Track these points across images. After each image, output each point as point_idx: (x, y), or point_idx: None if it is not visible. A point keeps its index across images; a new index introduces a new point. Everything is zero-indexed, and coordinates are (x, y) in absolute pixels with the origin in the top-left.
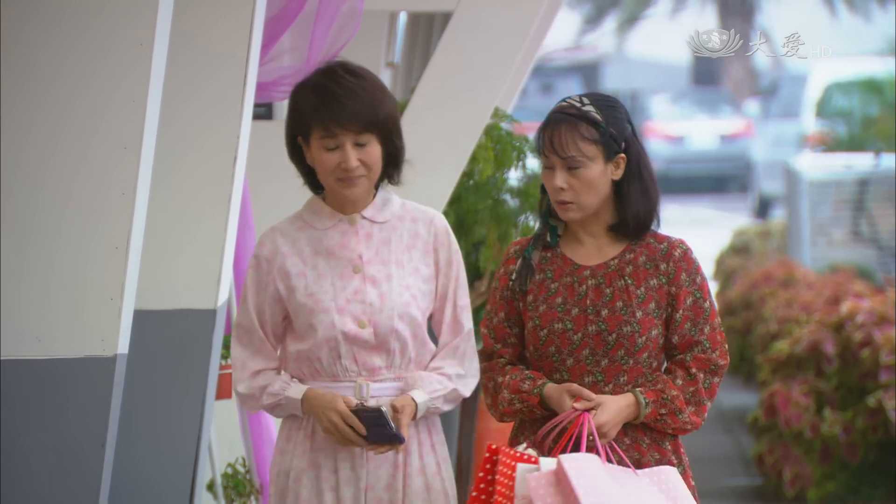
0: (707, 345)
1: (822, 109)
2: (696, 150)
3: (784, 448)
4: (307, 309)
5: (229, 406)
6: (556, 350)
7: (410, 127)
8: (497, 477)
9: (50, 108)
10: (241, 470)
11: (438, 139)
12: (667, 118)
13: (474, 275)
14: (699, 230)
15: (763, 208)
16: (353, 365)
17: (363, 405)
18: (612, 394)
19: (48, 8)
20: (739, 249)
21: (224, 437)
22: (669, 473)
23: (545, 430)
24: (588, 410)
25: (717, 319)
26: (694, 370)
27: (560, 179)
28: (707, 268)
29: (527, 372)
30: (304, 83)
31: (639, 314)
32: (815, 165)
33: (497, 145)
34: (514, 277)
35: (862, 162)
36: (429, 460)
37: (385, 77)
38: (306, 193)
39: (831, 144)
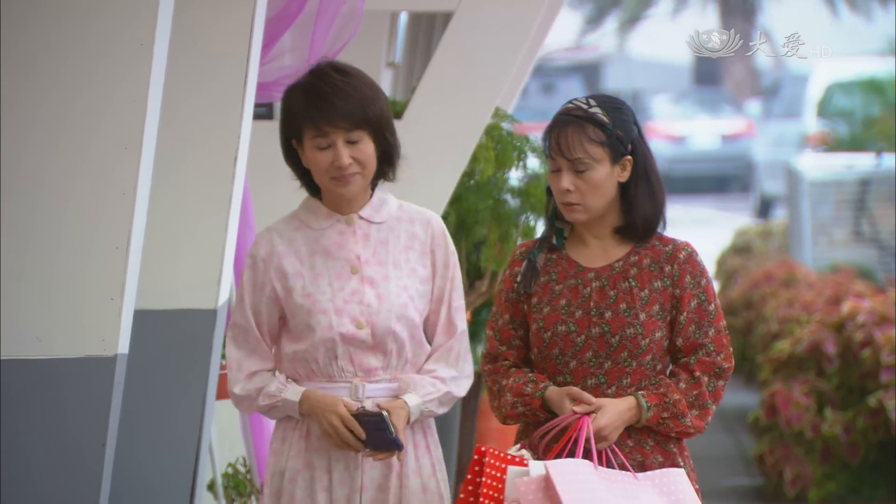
0: (711, 348)
1: (824, 109)
2: (697, 150)
3: (785, 448)
4: (305, 310)
5: (230, 406)
6: (560, 352)
7: (411, 127)
8: (483, 479)
9: (50, 108)
10: (242, 470)
11: (439, 139)
12: (668, 118)
13: (475, 275)
14: (700, 230)
15: (764, 208)
16: (349, 365)
17: (364, 409)
18: (615, 396)
19: (48, 8)
20: (740, 249)
21: (225, 437)
22: (675, 475)
23: (541, 431)
24: (588, 414)
25: (723, 323)
26: (698, 373)
27: (566, 181)
28: (708, 268)
29: (530, 375)
30: (294, 85)
31: (642, 316)
32: (817, 165)
33: (498, 145)
34: (518, 279)
35: (863, 162)
36: (424, 461)
37: (386, 77)
38: (306, 194)
39: (832, 144)
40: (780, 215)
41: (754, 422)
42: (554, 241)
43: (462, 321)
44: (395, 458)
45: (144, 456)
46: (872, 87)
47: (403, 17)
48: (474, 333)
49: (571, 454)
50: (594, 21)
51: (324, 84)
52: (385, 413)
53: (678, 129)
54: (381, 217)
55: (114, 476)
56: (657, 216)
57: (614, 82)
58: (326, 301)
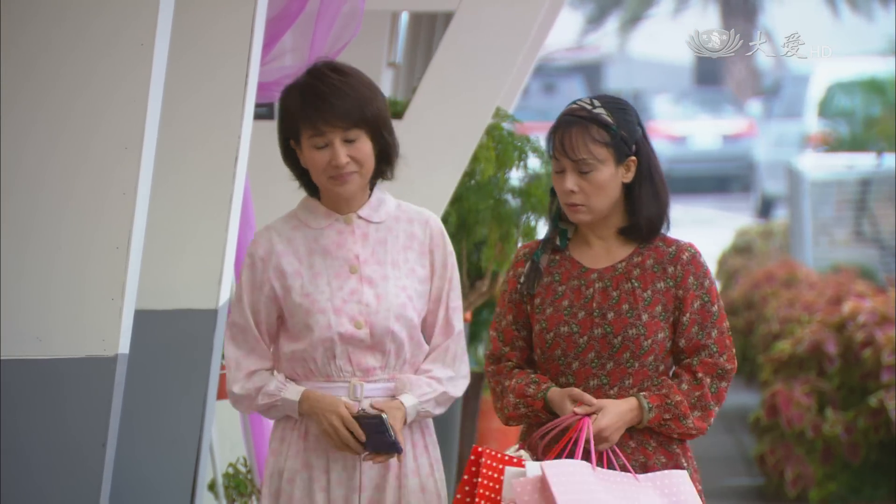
0: (714, 349)
1: (825, 109)
2: (698, 150)
3: (786, 448)
4: (303, 309)
5: (230, 406)
6: (563, 353)
7: (412, 127)
8: (479, 479)
9: (50, 108)
10: (243, 470)
11: (440, 139)
12: (669, 118)
13: (476, 275)
14: (702, 230)
15: (765, 208)
16: (347, 365)
17: (364, 411)
18: (617, 397)
19: (49, 8)
20: (741, 249)
21: (225, 437)
22: (677, 477)
23: (541, 432)
24: (589, 415)
25: (726, 324)
26: (700, 374)
27: (571, 182)
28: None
29: (532, 376)
30: (291, 85)
31: (645, 317)
32: (818, 165)
33: (499, 145)
34: (522, 280)
35: (864, 162)
36: (422, 461)
37: (387, 77)
38: (306, 194)
39: (833, 144)
40: (781, 215)
41: (755, 422)
42: (557, 243)
43: (459, 321)
44: (393, 458)
45: (145, 456)
46: (873, 87)
47: (404, 17)
48: (475, 333)
49: (571, 455)
50: (595, 21)
51: (321, 83)
52: (384, 415)
53: (679, 129)
54: (380, 217)
55: (114, 476)
56: (661, 217)
57: (615, 82)
58: (325, 300)
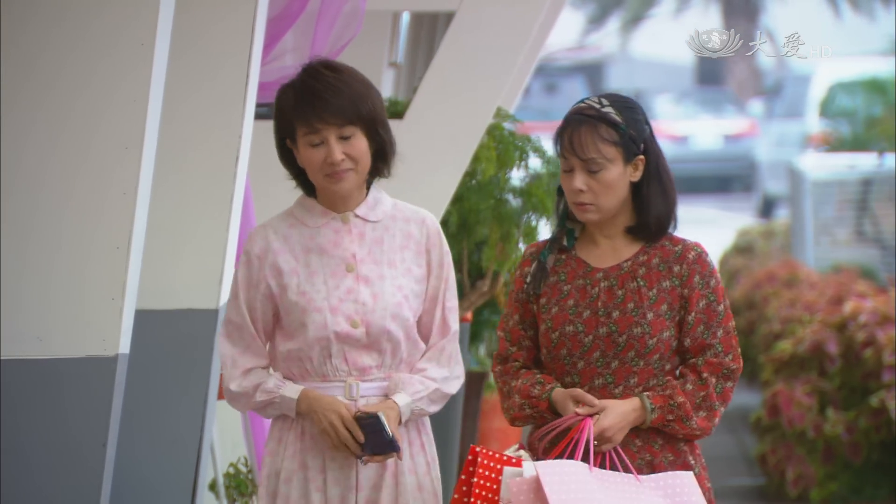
0: (720, 348)
1: (826, 109)
2: (699, 150)
3: (787, 448)
4: (299, 307)
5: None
6: (568, 352)
7: (413, 126)
8: (476, 479)
9: (50, 107)
10: (244, 470)
11: (441, 139)
12: (671, 118)
13: (476, 274)
14: (703, 230)
15: (767, 208)
16: (343, 364)
17: (363, 413)
18: (622, 396)
19: (49, 8)
20: (743, 249)
21: (226, 437)
22: (682, 479)
23: (542, 432)
24: (591, 416)
25: (732, 324)
26: (705, 374)
27: (579, 181)
28: None
29: (538, 376)
30: (286, 84)
31: (650, 316)
32: (819, 165)
33: (499, 145)
34: (528, 280)
35: (865, 162)
36: (419, 460)
37: (388, 77)
38: None
39: (835, 144)
40: (782, 215)
41: (756, 422)
42: (564, 242)
43: (455, 321)
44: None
45: (145, 456)
46: (875, 87)
47: (405, 17)
48: (476, 333)
49: (572, 456)
50: (597, 21)
51: (315, 81)
52: (381, 414)
53: (680, 129)
54: (377, 216)
55: (115, 476)
56: (669, 215)
57: (617, 82)
58: (321, 299)
